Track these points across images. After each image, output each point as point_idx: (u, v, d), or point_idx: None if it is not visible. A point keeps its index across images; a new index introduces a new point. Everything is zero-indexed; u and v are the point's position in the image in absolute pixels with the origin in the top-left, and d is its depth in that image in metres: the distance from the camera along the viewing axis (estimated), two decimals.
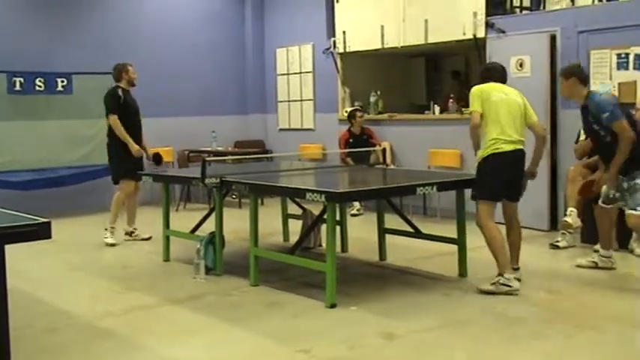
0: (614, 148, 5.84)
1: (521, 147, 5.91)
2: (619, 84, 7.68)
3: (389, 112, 10.42)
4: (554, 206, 8.31)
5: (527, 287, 5.89)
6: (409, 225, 6.84)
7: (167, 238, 7.21)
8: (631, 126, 5.87)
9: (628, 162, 5.85)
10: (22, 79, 9.77)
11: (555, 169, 8.33)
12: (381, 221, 7.05)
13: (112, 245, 7.85)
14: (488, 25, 8.83)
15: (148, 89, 9.42)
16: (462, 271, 6.33)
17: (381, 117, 10.42)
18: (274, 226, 8.02)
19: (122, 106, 7.95)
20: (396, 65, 11.09)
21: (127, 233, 8.21)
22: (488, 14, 8.85)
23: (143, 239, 8.16)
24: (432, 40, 9.45)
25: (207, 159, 6.83)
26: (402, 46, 9.88)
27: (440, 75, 11.68)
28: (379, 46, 10.14)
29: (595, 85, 7.82)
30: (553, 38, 8.22)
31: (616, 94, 7.59)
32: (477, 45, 8.98)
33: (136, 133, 8.05)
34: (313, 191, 5.41)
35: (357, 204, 9.75)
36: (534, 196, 8.33)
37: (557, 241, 7.40)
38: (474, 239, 6.26)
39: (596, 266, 6.60)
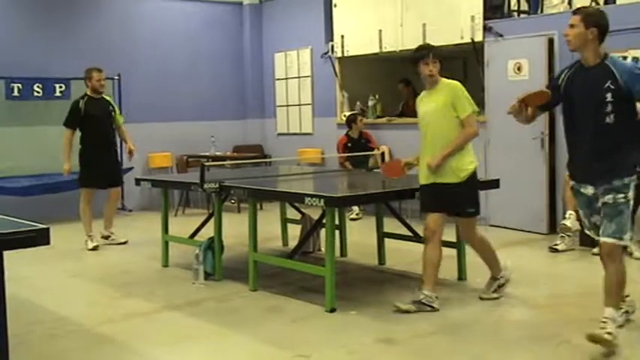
0: (614, 133, 4.43)
1: None
2: None
3: (387, 116, 10.43)
4: (553, 209, 8.31)
5: (526, 291, 5.89)
6: (408, 229, 6.83)
7: (166, 244, 7.21)
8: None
9: (615, 159, 4.45)
10: (20, 85, 9.78)
11: (554, 172, 8.33)
12: (380, 225, 7.04)
13: (94, 249, 7.92)
14: (486, 29, 8.85)
15: (147, 95, 9.44)
16: (461, 275, 6.33)
17: (379, 121, 10.43)
18: (273, 231, 8.01)
19: (84, 117, 8.05)
20: (394, 69, 11.09)
21: (102, 237, 8.29)
22: (485, 18, 8.87)
23: (119, 243, 8.24)
24: (430, 43, 9.42)
25: (206, 164, 6.83)
26: (400, 50, 9.88)
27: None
28: (377, 51, 10.15)
29: None
30: (551, 42, 8.23)
31: None
32: (475, 49, 8.99)
33: (102, 141, 8.13)
34: (312, 196, 5.41)
35: (356, 208, 9.75)
36: (532, 200, 8.36)
37: (557, 245, 7.40)
38: None
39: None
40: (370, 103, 10.56)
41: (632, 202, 4.46)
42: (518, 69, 8.44)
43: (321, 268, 5.48)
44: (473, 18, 8.92)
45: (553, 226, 8.22)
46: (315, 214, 6.75)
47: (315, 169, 9.20)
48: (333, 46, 10.84)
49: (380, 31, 10.04)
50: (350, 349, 4.58)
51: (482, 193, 8.32)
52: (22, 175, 9.69)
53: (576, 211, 7.26)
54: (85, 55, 10.46)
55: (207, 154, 11.00)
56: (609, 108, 4.40)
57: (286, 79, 11.96)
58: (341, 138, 10.15)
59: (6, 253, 3.76)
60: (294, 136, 11.78)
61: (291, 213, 7.89)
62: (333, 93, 11.01)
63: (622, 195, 4.41)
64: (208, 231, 6.79)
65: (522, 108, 4.81)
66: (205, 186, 6.29)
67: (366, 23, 10.27)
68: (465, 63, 10.84)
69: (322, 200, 5.27)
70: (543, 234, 8.22)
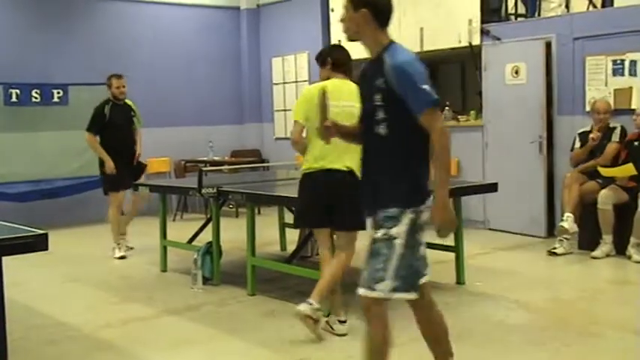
0: (387, 148, 3.33)
1: (345, 168, 4.92)
2: (615, 90, 7.69)
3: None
4: (551, 213, 8.31)
5: (525, 294, 5.89)
6: None
7: (164, 249, 7.20)
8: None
9: (384, 182, 3.36)
10: (18, 91, 9.77)
11: (552, 175, 8.33)
12: None
13: (121, 258, 7.79)
14: (484, 33, 8.85)
15: (145, 100, 9.42)
16: (460, 279, 6.32)
17: None
18: (271, 236, 8.01)
19: (107, 123, 7.92)
20: None
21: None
22: (483, 21, 8.88)
23: (128, 248, 8.14)
24: (427, 48, 9.45)
25: (204, 169, 6.83)
26: None
27: (436, 83, 11.68)
28: None
29: (591, 92, 7.86)
30: (548, 45, 8.24)
31: (611, 100, 7.63)
32: (473, 52, 9.00)
33: (123, 147, 7.98)
34: None
35: None
36: (531, 203, 8.36)
37: (555, 248, 7.39)
38: (472, 247, 6.26)
39: None
40: None
41: (400, 243, 3.37)
42: (516, 73, 8.45)
43: (320, 273, 5.47)
44: (470, 22, 8.93)
45: (551, 230, 8.22)
46: None
47: None
48: None
49: None
50: (348, 354, 4.57)
51: (480, 197, 8.44)
52: (20, 180, 9.67)
53: (573, 213, 7.29)
54: (84, 61, 10.50)
55: (205, 158, 11.00)
56: (380, 115, 3.30)
57: (284, 83, 11.96)
58: None
59: (4, 259, 3.76)
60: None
61: (289, 217, 7.86)
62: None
63: (383, 231, 3.36)
64: (206, 236, 6.78)
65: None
66: (203, 191, 6.29)
67: None
68: (462, 67, 10.85)
69: None
70: (542, 237, 8.22)
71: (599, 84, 7.82)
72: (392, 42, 3.56)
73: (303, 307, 4.73)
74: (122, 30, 11.11)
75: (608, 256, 7.12)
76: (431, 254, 6.82)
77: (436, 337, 3.81)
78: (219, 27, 12.20)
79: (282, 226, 8.00)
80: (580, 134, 7.57)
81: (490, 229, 8.86)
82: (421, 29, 9.47)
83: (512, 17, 9.24)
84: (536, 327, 5.15)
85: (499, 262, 7.35)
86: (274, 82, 12.14)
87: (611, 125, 7.41)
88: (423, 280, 3.62)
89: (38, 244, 3.76)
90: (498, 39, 8.74)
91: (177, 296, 6.16)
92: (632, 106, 7.49)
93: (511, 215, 8.63)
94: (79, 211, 10.05)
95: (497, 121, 8.79)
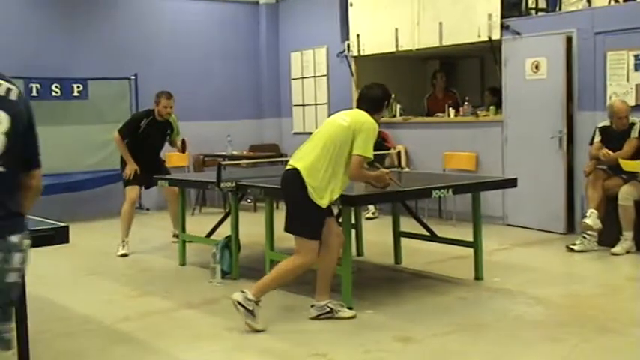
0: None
1: (290, 167, 5.13)
2: (636, 85, 7.63)
3: (403, 116, 10.41)
4: (571, 209, 8.27)
5: (543, 290, 5.87)
6: (425, 228, 6.82)
7: (183, 243, 7.23)
8: None
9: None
10: (38, 85, 9.84)
11: (572, 171, 8.28)
12: (396, 224, 7.03)
13: (123, 256, 7.71)
14: (504, 27, 8.80)
15: None
16: (478, 275, 6.30)
17: (395, 120, 10.41)
18: None
19: (139, 134, 7.86)
20: (410, 68, 11.07)
21: (174, 235, 8.19)
22: (503, 16, 8.82)
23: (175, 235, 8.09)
24: (446, 42, 9.42)
25: (223, 163, 6.84)
26: (416, 49, 9.87)
27: (455, 77, 11.66)
28: (393, 50, 10.13)
29: (612, 88, 7.80)
30: (569, 40, 8.18)
31: (633, 95, 7.56)
32: (492, 47, 8.95)
33: (145, 159, 7.89)
34: None
35: (372, 207, 9.73)
36: (550, 199, 8.32)
37: (574, 244, 7.35)
38: (490, 242, 6.25)
39: None
40: None
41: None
42: (536, 67, 8.40)
43: (338, 267, 5.48)
44: (490, 16, 8.88)
45: (571, 226, 8.18)
46: None
47: None
48: (349, 46, 10.82)
49: (396, 30, 10.02)
50: (366, 348, 4.58)
51: (499, 193, 8.40)
52: (42, 174, 9.71)
53: (597, 210, 7.24)
54: (103, 55, 10.56)
55: (223, 153, 11.02)
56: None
57: (302, 78, 11.96)
58: None
59: None
60: (310, 135, 11.75)
61: None
62: (348, 92, 11.00)
63: None
64: (225, 230, 6.80)
65: None
66: (222, 185, 6.30)
67: (382, 22, 10.25)
68: (482, 62, 10.83)
69: (338, 199, 5.26)
70: (561, 233, 8.18)
71: (621, 79, 7.76)
72: None
73: (235, 295, 4.98)
74: (142, 25, 11.16)
75: (628, 252, 7.08)
76: (449, 250, 6.91)
77: None
78: (238, 22, 12.22)
79: None
80: (600, 128, 7.49)
81: (509, 225, 8.83)
82: (440, 24, 9.43)
83: (533, 12, 9.17)
84: (554, 323, 5.12)
85: (517, 257, 7.32)
86: (293, 77, 12.14)
87: (630, 121, 7.34)
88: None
89: (59, 236, 3.79)
90: (518, 34, 8.69)
91: (196, 290, 6.19)
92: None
93: (530, 211, 8.59)
94: (100, 204, 10.11)
95: (516, 117, 8.75)
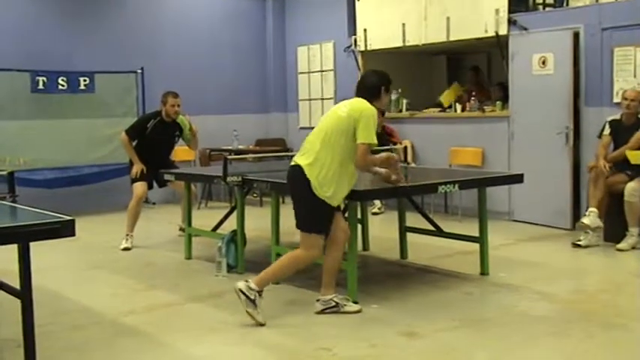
0: None
1: (294, 163, 5.17)
2: None
3: (410, 110, 10.40)
4: (577, 205, 8.25)
5: (549, 286, 5.86)
6: (430, 223, 6.82)
7: (189, 236, 7.24)
8: None
9: None
10: (45, 79, 9.84)
11: (578, 167, 8.27)
12: (402, 220, 7.03)
13: (125, 249, 7.69)
14: (511, 22, 8.78)
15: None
16: (484, 270, 6.30)
17: (401, 115, 10.40)
18: (295, 225, 7.99)
19: (145, 136, 7.86)
20: (417, 63, 11.06)
21: (180, 229, 8.20)
22: (510, 11, 8.80)
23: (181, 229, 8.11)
24: (453, 37, 9.41)
25: (229, 157, 6.85)
26: (423, 44, 9.85)
27: (462, 73, 11.64)
28: (400, 44, 10.12)
29: (619, 84, 7.78)
30: (576, 35, 8.15)
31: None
32: (499, 42, 8.94)
33: (151, 160, 7.87)
34: None
35: (378, 202, 9.73)
36: (556, 195, 8.31)
37: (579, 240, 7.34)
38: (496, 238, 6.24)
39: None
40: (393, 97, 10.51)
41: None
42: (543, 63, 8.39)
43: (343, 262, 5.48)
44: (497, 11, 8.86)
45: (577, 222, 8.16)
46: None
47: None
48: (355, 40, 10.82)
49: (403, 24, 10.01)
50: (372, 343, 4.58)
51: (505, 188, 8.40)
52: (47, 167, 9.76)
53: (598, 208, 7.23)
54: (109, 49, 10.56)
55: (229, 147, 11.03)
56: None
57: (309, 72, 11.96)
58: None
59: (32, 244, 3.80)
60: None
61: None
62: (355, 87, 10.96)
63: None
64: (231, 224, 6.81)
65: None
66: (228, 179, 6.30)
67: (389, 17, 10.24)
68: (489, 57, 10.81)
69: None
70: (567, 229, 8.17)
71: (628, 75, 7.74)
72: None
73: (238, 283, 5.02)
74: (148, 18, 11.16)
75: (633, 248, 7.07)
76: (455, 245, 6.90)
77: None
78: (245, 16, 12.21)
79: None
80: (610, 122, 7.46)
81: (515, 221, 8.82)
82: (447, 19, 9.41)
83: (540, 7, 9.15)
84: (559, 318, 5.12)
85: (523, 253, 7.32)
86: (300, 71, 12.14)
87: (639, 115, 7.33)
88: None
89: (65, 229, 3.79)
90: (525, 29, 8.67)
91: (202, 284, 6.20)
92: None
93: (536, 207, 8.58)
94: (106, 198, 10.12)
95: (523, 112, 8.73)
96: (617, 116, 7.43)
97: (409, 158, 9.03)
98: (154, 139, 7.90)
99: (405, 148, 8.13)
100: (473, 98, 9.63)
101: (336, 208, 5.19)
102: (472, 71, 10.69)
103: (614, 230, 7.27)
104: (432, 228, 6.81)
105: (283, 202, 7.41)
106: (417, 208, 7.01)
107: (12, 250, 3.86)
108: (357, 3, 10.74)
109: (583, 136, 8.23)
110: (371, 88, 5.27)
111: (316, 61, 11.80)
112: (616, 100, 7.71)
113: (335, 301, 5.17)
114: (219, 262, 6.42)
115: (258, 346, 4.67)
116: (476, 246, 6.34)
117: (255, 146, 11.74)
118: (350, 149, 4.99)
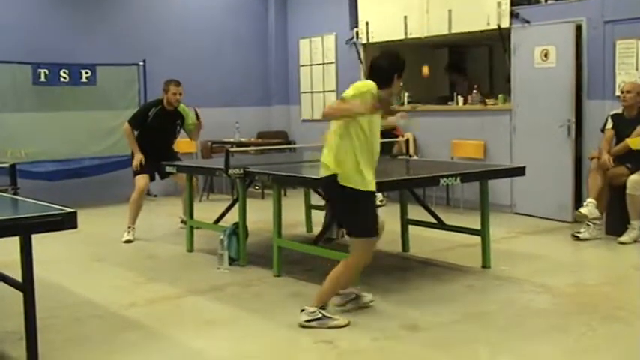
0: None
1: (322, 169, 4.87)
2: None
3: (412, 103, 10.38)
4: (579, 198, 8.24)
5: (550, 279, 5.86)
6: (432, 216, 6.82)
7: (190, 229, 7.25)
8: None
9: None
10: (46, 71, 9.84)
11: (580, 160, 8.27)
12: (404, 212, 7.03)
13: (127, 242, 7.71)
14: (513, 15, 8.76)
15: None
16: (485, 263, 6.30)
17: (404, 108, 10.38)
18: (297, 217, 8.02)
19: (147, 124, 7.89)
20: (419, 56, 11.03)
21: (182, 221, 8.21)
22: (512, 4, 8.78)
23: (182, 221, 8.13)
24: (455, 30, 9.39)
25: (231, 150, 6.84)
26: (425, 37, 9.84)
27: (464, 66, 11.63)
28: (402, 37, 10.10)
29: (621, 77, 7.77)
30: (578, 28, 8.14)
31: None
32: (502, 35, 8.92)
33: (153, 150, 7.88)
34: None
35: (379, 195, 9.71)
36: (558, 188, 8.31)
37: (579, 232, 7.35)
38: (498, 230, 6.24)
39: None
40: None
41: None
42: (545, 56, 8.37)
43: (345, 255, 5.48)
44: (499, 4, 8.84)
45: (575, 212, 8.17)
46: None
47: None
48: (357, 33, 10.80)
49: (405, 17, 9.99)
50: (373, 336, 4.58)
51: (507, 181, 8.39)
52: (49, 159, 9.77)
53: (597, 200, 7.23)
54: (111, 41, 10.55)
55: (231, 140, 11.02)
56: None
57: (311, 65, 11.95)
58: None
59: (33, 237, 3.81)
60: (319, 122, 11.74)
61: (315, 199, 7.89)
62: (357, 80, 10.85)
63: None
64: (232, 217, 6.82)
65: None
66: (230, 172, 6.30)
67: (391, 10, 10.22)
68: (490, 50, 10.80)
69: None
70: (568, 222, 8.16)
71: (629, 68, 7.73)
72: None
73: (299, 319, 4.78)
74: (151, 11, 11.14)
75: (635, 241, 7.06)
76: (457, 238, 6.90)
77: None
78: (247, 8, 12.19)
79: (308, 208, 8.01)
80: (613, 116, 7.46)
81: (516, 214, 8.82)
82: (449, 11, 9.39)
83: (542, 0, 9.13)
84: (560, 311, 5.13)
85: (525, 246, 7.32)
86: (301, 63, 12.12)
87: None
88: None
89: (67, 222, 3.80)
90: (528, 22, 8.65)
91: (203, 276, 6.21)
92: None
93: (538, 200, 8.58)
94: (107, 190, 10.12)
95: (525, 105, 8.72)
96: (619, 110, 7.43)
97: (411, 151, 9.03)
98: (154, 127, 7.91)
99: (407, 140, 8.12)
100: (475, 91, 9.61)
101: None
102: (447, 71, 10.71)
103: (615, 223, 7.26)
104: (433, 221, 6.80)
105: (285, 194, 7.42)
106: (418, 201, 7.01)
107: (14, 243, 3.86)
108: None
109: (585, 129, 8.22)
110: (380, 71, 4.82)
111: (318, 54, 11.78)
112: (618, 93, 7.70)
113: (321, 313, 4.82)
114: (221, 254, 6.42)
115: (259, 338, 4.67)
116: (478, 239, 6.34)
117: (257, 139, 11.74)
118: (358, 129, 4.67)
